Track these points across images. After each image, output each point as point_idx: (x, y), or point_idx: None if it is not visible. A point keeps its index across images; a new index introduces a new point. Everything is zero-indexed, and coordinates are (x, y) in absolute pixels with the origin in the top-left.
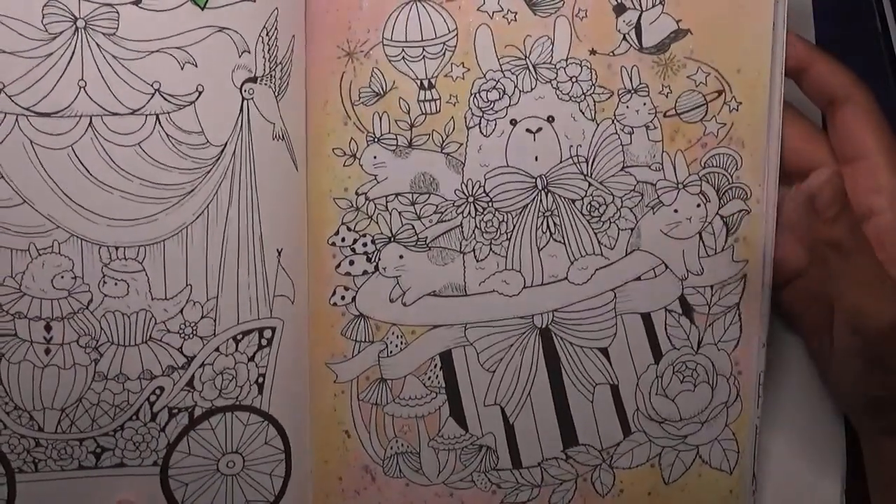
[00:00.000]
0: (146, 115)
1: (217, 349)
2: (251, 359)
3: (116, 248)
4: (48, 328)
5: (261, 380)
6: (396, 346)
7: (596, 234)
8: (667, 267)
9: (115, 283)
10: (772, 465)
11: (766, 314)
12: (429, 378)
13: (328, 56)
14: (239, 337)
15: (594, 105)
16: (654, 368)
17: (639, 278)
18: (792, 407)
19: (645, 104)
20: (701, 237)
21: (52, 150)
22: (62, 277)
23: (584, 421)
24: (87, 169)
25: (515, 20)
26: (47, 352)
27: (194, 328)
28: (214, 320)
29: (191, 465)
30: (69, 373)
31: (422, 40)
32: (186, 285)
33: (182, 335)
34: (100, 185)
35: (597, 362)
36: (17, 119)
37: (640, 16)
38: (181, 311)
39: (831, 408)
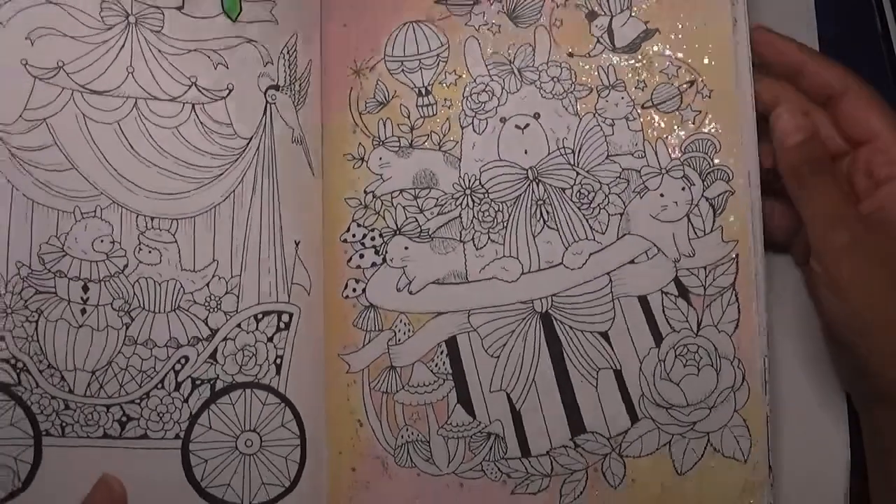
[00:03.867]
0: (183, 103)
1: (239, 325)
2: (270, 339)
3: (152, 219)
4: (85, 289)
5: (279, 361)
6: (404, 333)
7: (587, 220)
8: (659, 250)
9: (150, 251)
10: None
11: (763, 298)
12: (436, 364)
13: (339, 75)
14: (259, 316)
15: (575, 101)
16: (656, 352)
17: (633, 261)
18: (793, 399)
19: (623, 98)
20: (689, 219)
21: (100, 124)
22: (102, 241)
23: (590, 407)
24: (130, 143)
25: (500, 31)
26: (83, 312)
27: (219, 302)
28: (237, 297)
29: (211, 441)
30: (102, 335)
31: (418, 54)
32: (213, 260)
33: (207, 308)
34: (140, 159)
35: (598, 346)
36: (72, 94)
37: (610, 20)
38: (207, 285)
39: (833, 400)
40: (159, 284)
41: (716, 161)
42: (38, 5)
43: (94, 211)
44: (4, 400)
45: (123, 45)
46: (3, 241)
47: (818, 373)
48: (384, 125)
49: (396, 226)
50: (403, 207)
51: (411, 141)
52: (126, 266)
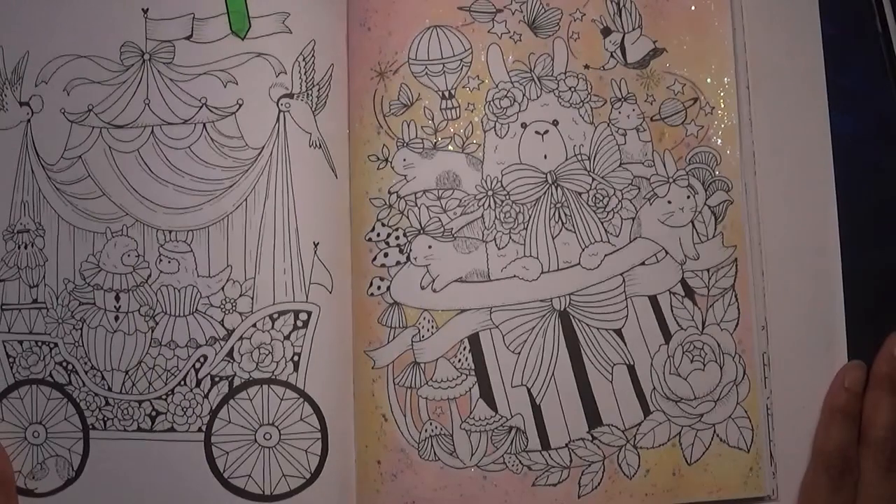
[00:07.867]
0: (195, 124)
1: (254, 325)
2: (287, 337)
3: (170, 232)
4: (117, 298)
5: (296, 358)
6: (428, 330)
7: (602, 223)
8: (667, 252)
9: (169, 261)
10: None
11: (760, 298)
12: (459, 360)
13: (364, 78)
14: (275, 316)
15: (591, 111)
16: (666, 348)
17: (643, 263)
18: (792, 391)
19: (634, 110)
20: (693, 225)
21: (123, 154)
22: (129, 256)
23: (606, 401)
24: (148, 167)
25: (521, 40)
26: (116, 319)
27: (234, 304)
28: (252, 298)
29: (231, 434)
30: (132, 338)
31: (442, 58)
32: (227, 265)
33: (223, 310)
34: (158, 180)
35: (613, 343)
36: (100, 131)
37: (623, 37)
38: (222, 288)
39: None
40: (178, 290)
41: (717, 172)
42: (72, 60)
43: (122, 230)
44: (59, 398)
45: (140, 81)
46: (54, 262)
47: (815, 367)
48: (408, 127)
49: (420, 225)
50: (427, 207)
51: (435, 143)
52: (150, 276)
